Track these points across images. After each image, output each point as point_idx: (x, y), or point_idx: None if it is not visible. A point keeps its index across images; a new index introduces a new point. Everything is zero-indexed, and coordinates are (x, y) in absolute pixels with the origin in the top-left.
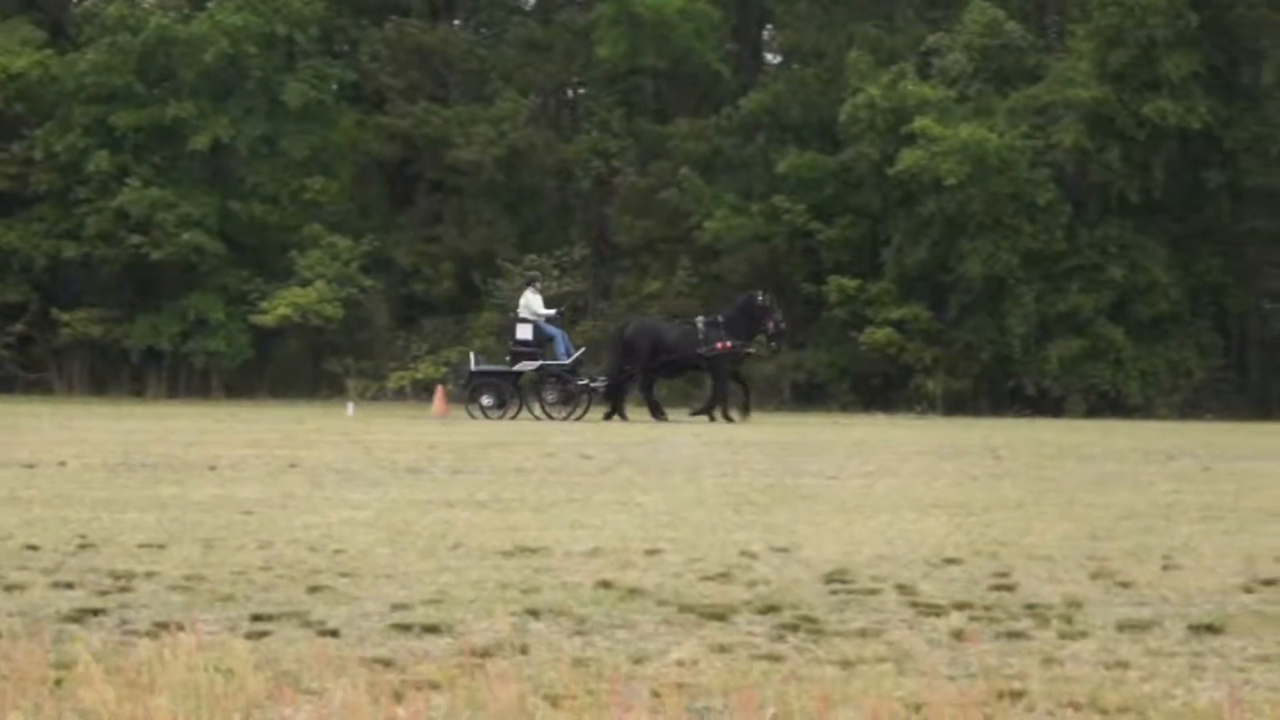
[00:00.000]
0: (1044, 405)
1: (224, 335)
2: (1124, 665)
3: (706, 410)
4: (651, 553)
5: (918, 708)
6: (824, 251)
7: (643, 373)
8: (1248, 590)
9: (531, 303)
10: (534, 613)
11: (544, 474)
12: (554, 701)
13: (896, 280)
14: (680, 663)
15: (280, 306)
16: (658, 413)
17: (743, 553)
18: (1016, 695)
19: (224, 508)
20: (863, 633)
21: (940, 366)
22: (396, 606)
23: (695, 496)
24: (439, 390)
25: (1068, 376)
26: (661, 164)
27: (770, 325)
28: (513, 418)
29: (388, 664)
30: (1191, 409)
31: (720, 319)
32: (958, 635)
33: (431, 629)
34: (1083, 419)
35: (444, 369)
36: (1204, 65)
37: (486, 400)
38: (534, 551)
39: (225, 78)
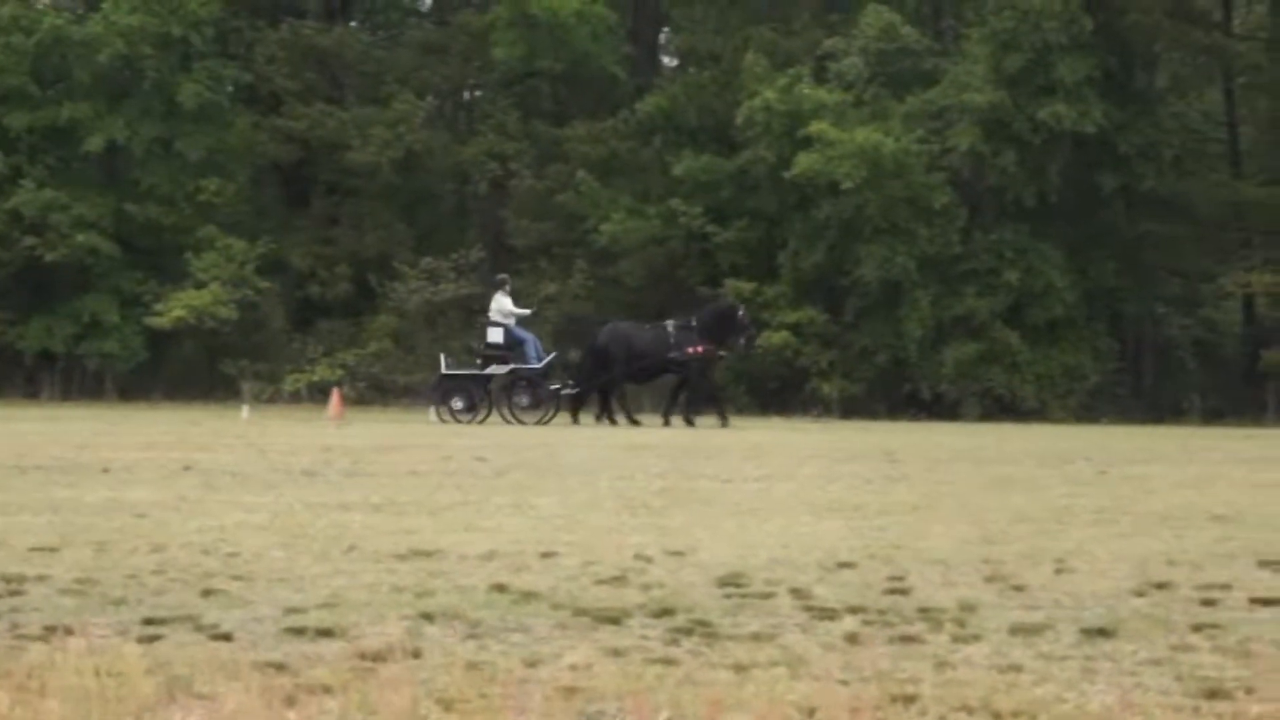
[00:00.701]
0: (940, 409)
1: (118, 337)
2: (1017, 669)
3: (685, 412)
4: (546, 556)
5: (810, 712)
6: (720, 254)
7: (631, 377)
8: (1140, 594)
9: (503, 306)
10: (428, 616)
11: (440, 477)
12: (447, 705)
13: (793, 283)
14: (574, 666)
15: (175, 309)
16: (608, 416)
17: (637, 556)
18: (909, 699)
19: (117, 510)
20: (756, 637)
21: (836, 370)
22: (290, 610)
23: (591, 500)
24: (335, 392)
25: (963, 380)
26: (558, 167)
27: (743, 340)
28: (481, 421)
29: (280, 668)
30: (1086, 412)
31: (693, 323)
32: (851, 639)
33: (325, 633)
34: (978, 422)
35: (339, 371)
36: (1098, 70)
37: (456, 403)
38: (428, 555)
39: (120, 79)
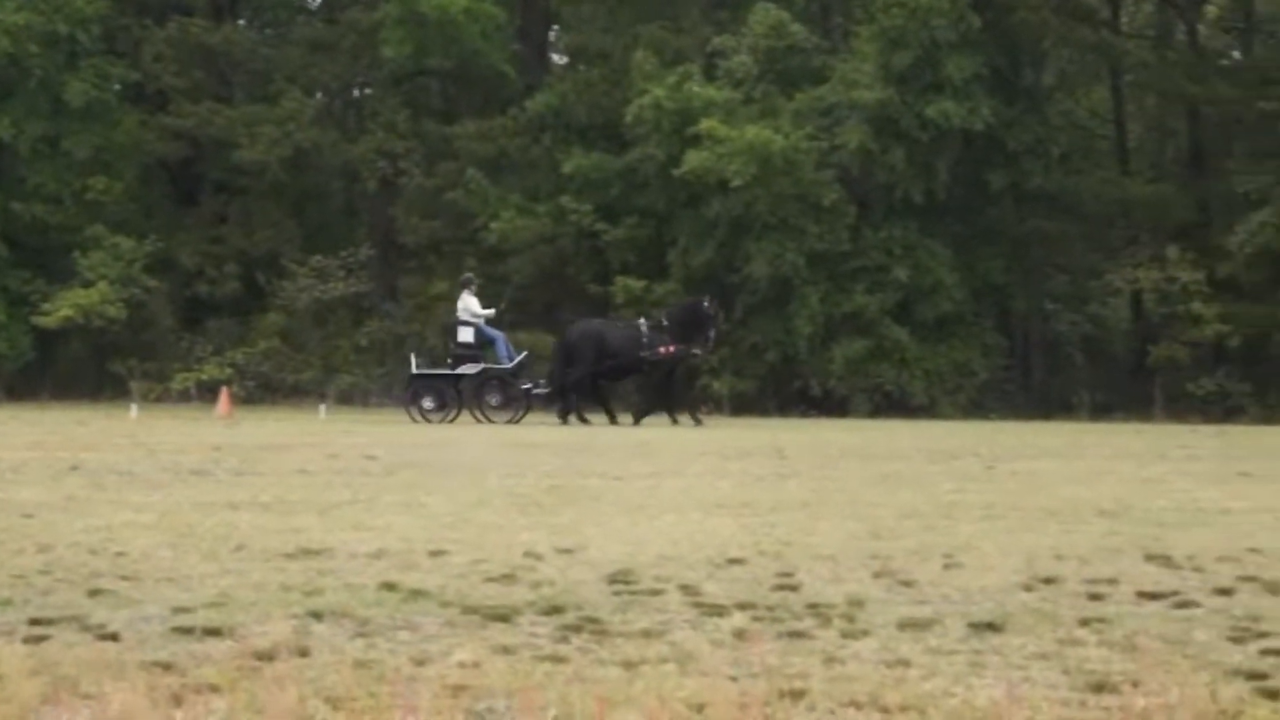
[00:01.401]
0: (829, 405)
1: (5, 337)
2: (905, 664)
3: (652, 411)
4: (436, 554)
5: (700, 708)
6: (610, 252)
7: (602, 376)
8: (1028, 588)
9: (470, 305)
10: (316, 615)
11: (329, 475)
12: (335, 704)
13: (683, 281)
14: (463, 664)
15: (63, 308)
16: (572, 416)
17: (527, 554)
18: (798, 694)
19: (3, 511)
20: (646, 633)
21: (727, 367)
22: (178, 610)
23: (480, 497)
24: (224, 391)
25: (853, 377)
26: (448, 165)
27: (712, 331)
28: (451, 420)
29: (167, 667)
30: (975, 409)
31: (665, 322)
32: (740, 635)
33: (213, 632)
34: (867, 419)
35: (228, 370)
36: (987, 67)
37: (427, 403)
38: (317, 553)
39: (6, 77)
